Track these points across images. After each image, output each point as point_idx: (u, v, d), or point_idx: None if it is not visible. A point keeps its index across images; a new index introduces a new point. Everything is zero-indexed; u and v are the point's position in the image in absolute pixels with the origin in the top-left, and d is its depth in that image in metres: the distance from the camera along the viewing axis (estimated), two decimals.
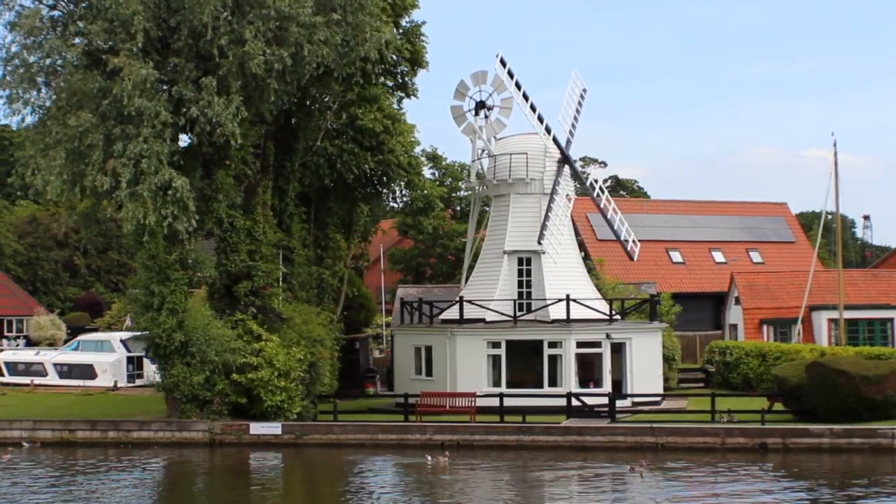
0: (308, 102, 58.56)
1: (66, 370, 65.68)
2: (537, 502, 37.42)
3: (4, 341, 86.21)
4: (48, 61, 46.39)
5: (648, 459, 43.72)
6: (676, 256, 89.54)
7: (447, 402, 52.98)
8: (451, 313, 57.82)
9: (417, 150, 62.85)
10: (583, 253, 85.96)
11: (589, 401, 52.42)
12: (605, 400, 53.29)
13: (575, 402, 51.81)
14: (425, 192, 64.77)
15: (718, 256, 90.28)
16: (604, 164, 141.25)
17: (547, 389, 54.23)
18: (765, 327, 77.91)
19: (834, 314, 74.87)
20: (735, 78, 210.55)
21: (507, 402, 51.82)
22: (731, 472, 42.15)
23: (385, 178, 61.79)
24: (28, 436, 49.56)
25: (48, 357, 66.99)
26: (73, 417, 51.40)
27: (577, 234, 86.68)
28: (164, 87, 46.26)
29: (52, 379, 65.89)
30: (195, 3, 44.99)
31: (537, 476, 42.07)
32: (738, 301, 79.64)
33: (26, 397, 61.26)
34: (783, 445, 46.43)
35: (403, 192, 64.60)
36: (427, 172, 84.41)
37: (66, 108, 45.97)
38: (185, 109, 45.81)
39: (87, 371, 65.13)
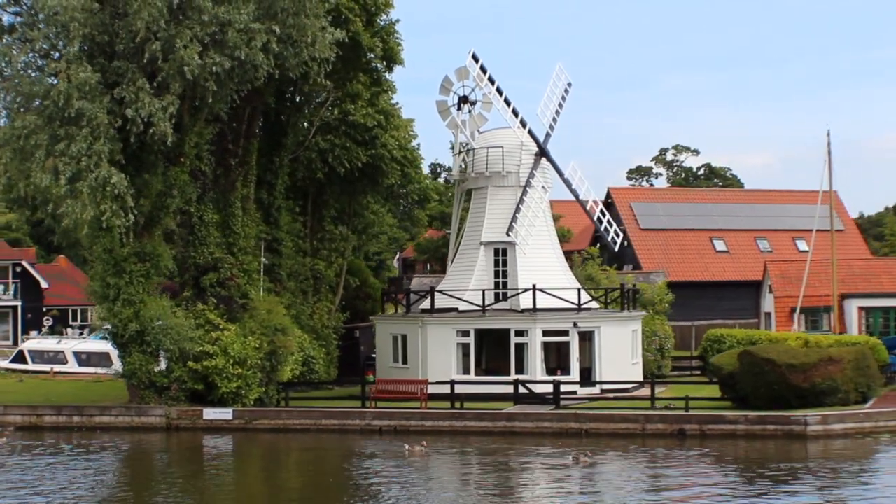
0: (295, 99, 60.99)
1: (86, 358, 68.97)
2: (512, 490, 38.00)
3: (69, 330, 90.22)
4: (4, 65, 49.02)
5: (588, 448, 44.61)
6: (720, 245, 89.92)
7: (400, 388, 54.79)
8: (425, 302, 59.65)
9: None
10: (626, 242, 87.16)
11: (552, 388, 53.69)
12: (574, 387, 55.20)
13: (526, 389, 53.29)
14: (420, 184, 66.60)
15: (764, 245, 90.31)
16: (696, 151, 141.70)
17: (496, 377, 55.73)
18: (796, 315, 77.90)
19: (864, 302, 74.99)
20: (861, 63, 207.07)
21: (481, 388, 54.19)
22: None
23: (378, 172, 63.81)
24: None
25: (69, 346, 70.44)
26: (39, 403, 54.30)
27: (619, 222, 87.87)
28: (108, 90, 48.45)
29: (72, 366, 69.23)
30: (134, 10, 47.32)
31: (494, 463, 43.12)
32: (771, 289, 79.83)
33: (38, 383, 64.58)
34: (700, 431, 47.42)
35: (398, 185, 66.44)
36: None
37: (14, 109, 48.75)
38: (127, 109, 48.11)
39: (104, 359, 68.28)
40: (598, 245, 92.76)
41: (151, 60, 48.28)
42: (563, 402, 51.96)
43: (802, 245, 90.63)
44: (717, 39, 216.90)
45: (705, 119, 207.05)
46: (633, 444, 46.44)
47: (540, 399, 52.83)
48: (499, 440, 47.82)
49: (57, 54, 49.54)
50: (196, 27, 48.22)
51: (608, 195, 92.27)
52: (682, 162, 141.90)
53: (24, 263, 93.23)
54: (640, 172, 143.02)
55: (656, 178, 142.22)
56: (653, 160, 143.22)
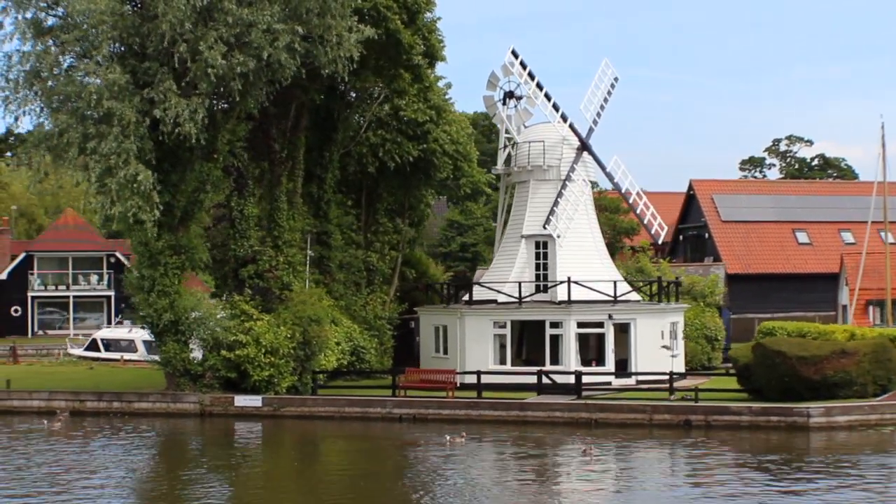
0: (345, 95, 62.75)
1: (154, 346, 71.31)
2: (550, 478, 39.18)
3: None
4: (40, 66, 51.24)
5: (590, 439, 45.56)
6: (803, 237, 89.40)
7: (429, 378, 56.12)
8: (476, 294, 60.85)
9: None
10: (706, 234, 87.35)
11: (590, 378, 54.88)
12: (609, 378, 56.32)
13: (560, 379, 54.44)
14: (473, 178, 67.87)
15: (848, 237, 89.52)
16: (809, 142, 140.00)
17: (522, 367, 56.96)
18: (871, 308, 77.56)
19: None
20: None
21: (515, 378, 55.52)
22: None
23: (430, 166, 65.30)
24: (45, 406, 55.11)
25: (139, 335, 72.86)
26: (82, 389, 56.87)
27: (700, 214, 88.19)
28: (138, 90, 50.43)
29: (142, 354, 71.64)
30: (161, 13, 49.33)
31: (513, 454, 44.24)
32: (847, 282, 79.46)
33: (107, 371, 67.07)
34: (705, 422, 47.98)
35: (451, 179, 67.78)
36: None
37: (54, 109, 51.07)
38: (155, 110, 50.09)
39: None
40: (681, 238, 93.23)
41: (179, 62, 50.16)
42: (585, 393, 52.73)
43: (888, 237, 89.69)
44: (846, 28, 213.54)
45: (828, 109, 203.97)
46: (640, 434, 47.18)
47: (562, 389, 53.64)
48: (512, 429, 48.90)
49: (98, 56, 51.49)
50: (221, 28, 49.99)
51: (690, 187, 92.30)
52: (796, 152, 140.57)
53: (118, 254, 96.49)
54: (752, 163, 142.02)
55: (769, 168, 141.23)
56: (765, 151, 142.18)
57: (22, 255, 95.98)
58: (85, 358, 72.85)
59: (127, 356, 71.80)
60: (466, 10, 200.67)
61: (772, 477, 37.58)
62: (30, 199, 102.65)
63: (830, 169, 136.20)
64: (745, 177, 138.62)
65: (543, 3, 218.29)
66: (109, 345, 73.75)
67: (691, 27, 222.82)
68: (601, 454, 42.31)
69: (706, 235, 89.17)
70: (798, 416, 46.83)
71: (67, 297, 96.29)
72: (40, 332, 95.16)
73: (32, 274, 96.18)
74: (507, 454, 44.13)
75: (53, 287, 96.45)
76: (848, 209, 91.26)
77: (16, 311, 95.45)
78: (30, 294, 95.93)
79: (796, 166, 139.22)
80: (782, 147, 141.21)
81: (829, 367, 48.85)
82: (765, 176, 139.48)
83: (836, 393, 48.97)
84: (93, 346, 74.25)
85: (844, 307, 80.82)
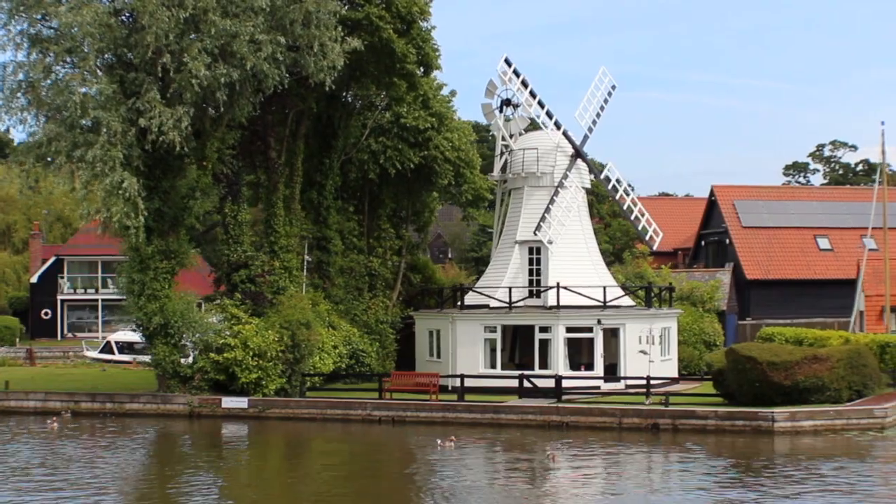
0: (345, 102, 63.82)
1: None
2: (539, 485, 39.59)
3: None
4: (32, 76, 52.67)
5: (554, 443, 45.93)
6: (824, 243, 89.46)
7: (414, 381, 56.93)
8: (472, 299, 61.60)
9: None
10: (727, 239, 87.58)
11: (579, 383, 55.73)
12: (598, 382, 56.95)
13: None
14: (475, 185, 68.70)
15: (871, 243, 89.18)
16: (854, 147, 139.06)
17: (504, 371, 57.70)
18: (856, 316, 77.50)
19: None
20: None
21: (502, 382, 56.45)
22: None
23: (432, 173, 66.17)
24: (40, 406, 56.63)
25: None
26: (76, 390, 58.33)
27: (721, 220, 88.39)
28: (125, 100, 51.70)
29: None
30: (148, 24, 50.56)
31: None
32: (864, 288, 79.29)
33: (117, 373, 68.73)
34: (673, 426, 48.47)
35: (453, 185, 68.61)
36: None
37: (43, 117, 52.52)
38: (141, 119, 51.35)
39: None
40: (703, 244, 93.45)
41: (164, 72, 51.46)
42: (566, 396, 53.41)
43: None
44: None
45: (878, 114, 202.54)
46: (609, 437, 47.68)
47: (545, 393, 54.26)
48: (486, 431, 49.68)
49: (87, 66, 52.78)
50: (206, 40, 51.19)
51: (711, 193, 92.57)
52: (840, 158, 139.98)
53: None
54: (796, 168, 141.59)
55: (812, 174, 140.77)
56: (809, 156, 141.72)
57: (52, 259, 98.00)
58: (99, 360, 74.40)
59: (140, 359, 73.11)
60: (471, 16, 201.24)
61: (729, 479, 38.22)
62: (65, 203, 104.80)
63: (874, 174, 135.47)
64: (789, 182, 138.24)
65: (579, 6, 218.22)
66: (123, 347, 75.21)
67: (741, 30, 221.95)
68: (567, 457, 43.03)
69: (727, 241, 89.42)
70: (763, 420, 47.26)
71: (96, 300, 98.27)
72: (70, 335, 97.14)
73: (62, 277, 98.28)
74: (469, 456, 44.85)
75: (83, 290, 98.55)
76: (870, 215, 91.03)
77: (46, 313, 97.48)
78: (59, 297, 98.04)
79: (840, 172, 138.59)
80: (826, 152, 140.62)
81: (800, 372, 49.13)
82: (808, 181, 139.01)
83: (807, 398, 49.26)
84: (107, 348, 75.82)
85: (861, 313, 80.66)
